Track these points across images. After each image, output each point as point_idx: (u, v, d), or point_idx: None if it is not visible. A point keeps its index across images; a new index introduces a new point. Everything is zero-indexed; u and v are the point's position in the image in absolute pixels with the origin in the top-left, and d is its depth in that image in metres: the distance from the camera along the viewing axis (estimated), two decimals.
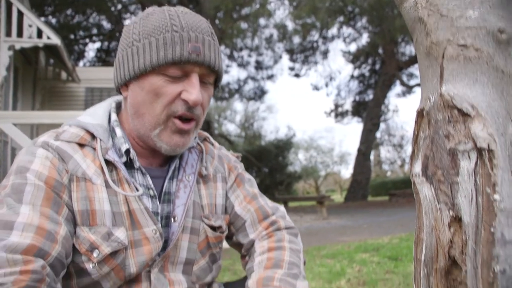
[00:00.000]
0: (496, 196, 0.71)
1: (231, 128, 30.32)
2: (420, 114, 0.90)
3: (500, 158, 0.73)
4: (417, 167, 0.91)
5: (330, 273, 3.76)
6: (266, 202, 1.18)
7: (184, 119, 0.97)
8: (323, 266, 4.15)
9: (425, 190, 0.90)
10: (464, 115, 0.79)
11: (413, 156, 0.93)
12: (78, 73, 10.04)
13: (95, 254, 0.90)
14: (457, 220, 0.85)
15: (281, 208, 1.22)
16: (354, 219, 10.20)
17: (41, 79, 10.00)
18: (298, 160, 32.03)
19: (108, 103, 1.09)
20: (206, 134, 1.20)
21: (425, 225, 0.93)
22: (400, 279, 3.45)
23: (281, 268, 1.02)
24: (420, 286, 0.94)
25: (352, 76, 24.69)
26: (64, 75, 10.18)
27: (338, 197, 25.36)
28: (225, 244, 1.20)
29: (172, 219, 1.02)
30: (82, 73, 10.29)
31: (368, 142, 20.69)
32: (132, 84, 0.97)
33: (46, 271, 0.79)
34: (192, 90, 0.93)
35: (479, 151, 0.75)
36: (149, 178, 1.01)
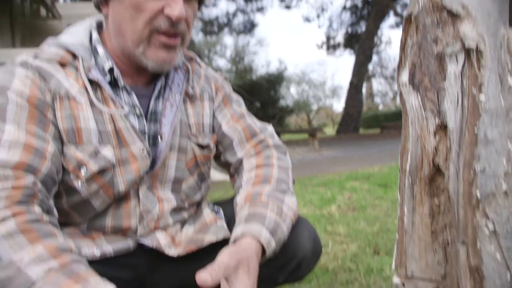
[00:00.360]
0: (482, 97, 0.70)
1: (221, 63, 29.72)
2: (408, 20, 0.87)
3: (488, 58, 0.71)
4: (404, 76, 0.89)
5: (321, 200, 3.89)
6: (254, 121, 1.17)
7: (168, 35, 0.93)
8: (315, 193, 4.27)
9: (411, 100, 0.89)
10: (454, 16, 0.76)
11: (400, 65, 0.91)
12: (59, 9, 9.56)
13: (82, 172, 0.90)
14: (442, 128, 0.85)
15: (270, 127, 1.21)
16: (346, 150, 10.38)
17: (18, 16, 9.53)
18: (290, 94, 31.85)
19: (89, 22, 1.04)
20: (192, 54, 1.16)
21: (411, 135, 0.93)
22: (389, 205, 3.58)
23: (270, 184, 1.03)
24: (405, 196, 0.97)
25: (344, 7, 23.87)
26: (43, 11, 9.70)
27: (330, 131, 25.62)
28: (218, 176, 1.20)
29: (159, 138, 1.01)
30: (63, 9, 9.80)
31: (360, 75, 20.49)
32: (112, 0, 0.92)
33: (38, 187, 0.80)
34: (175, 5, 0.89)
35: (467, 52, 0.73)
36: (134, 97, 0.98)
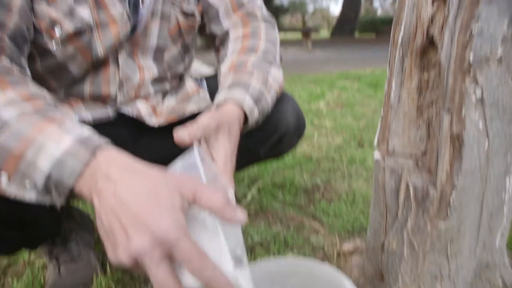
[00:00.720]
0: None
1: None
2: None
3: None
4: None
5: (310, 96, 3.87)
6: None
7: None
8: (304, 90, 4.24)
9: None
10: None
11: None
12: None
13: (57, 32, 0.84)
14: None
15: (258, 0, 1.12)
16: (339, 52, 10.13)
17: None
18: None
19: None
20: None
21: (407, 4, 0.86)
22: (377, 103, 3.58)
23: (256, 54, 0.98)
24: (394, 69, 0.93)
25: None
26: None
27: (325, 34, 24.77)
28: (205, 70, 1.14)
29: (141, 3, 0.93)
30: None
31: None
32: None
33: (6, 42, 0.74)
34: None
35: None
36: None
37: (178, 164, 0.64)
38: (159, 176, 0.56)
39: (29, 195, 0.59)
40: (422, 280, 0.89)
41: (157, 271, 0.50)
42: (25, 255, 1.33)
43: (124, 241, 0.50)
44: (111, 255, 0.53)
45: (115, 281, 1.18)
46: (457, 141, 0.74)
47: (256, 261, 0.91)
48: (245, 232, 1.39)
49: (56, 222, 1.11)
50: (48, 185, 0.58)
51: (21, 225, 0.91)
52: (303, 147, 2.38)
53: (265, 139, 1.04)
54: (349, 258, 1.19)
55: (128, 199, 0.52)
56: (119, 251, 0.51)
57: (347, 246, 1.22)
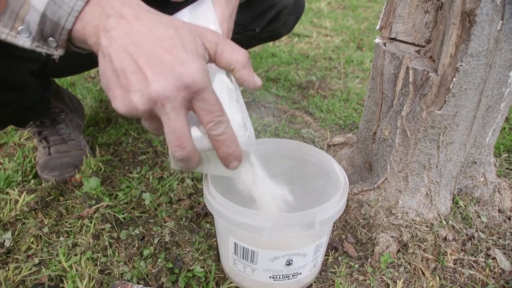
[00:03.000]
0: None
1: None
2: None
3: None
4: None
5: None
6: None
7: None
8: None
9: None
10: None
11: None
12: None
13: None
14: None
15: None
16: None
17: None
18: None
19: None
20: None
21: None
22: (381, 8, 3.39)
23: None
24: None
25: None
26: None
27: None
28: None
29: None
30: None
31: None
32: None
33: None
34: None
35: None
36: None
37: (186, 14, 0.59)
38: (181, 22, 0.49)
39: (23, 41, 0.51)
40: (410, 168, 0.90)
41: (177, 119, 0.46)
42: (15, 137, 1.32)
43: (141, 84, 0.44)
44: (120, 102, 0.46)
45: (104, 163, 1.18)
46: (467, 20, 0.68)
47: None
48: None
49: (43, 98, 1.08)
50: (44, 28, 0.50)
51: (8, 90, 0.87)
52: (300, 45, 2.29)
53: (262, 13, 0.96)
54: (339, 149, 1.19)
55: (147, 39, 0.46)
56: (134, 96, 0.45)
57: (338, 138, 1.22)
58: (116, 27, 0.46)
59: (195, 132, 0.51)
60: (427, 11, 0.86)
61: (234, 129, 0.51)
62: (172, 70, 0.44)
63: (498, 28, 0.69)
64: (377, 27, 0.93)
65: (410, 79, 0.81)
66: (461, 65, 0.73)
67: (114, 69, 0.46)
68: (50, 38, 0.51)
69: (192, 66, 0.45)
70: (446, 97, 0.77)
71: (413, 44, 0.89)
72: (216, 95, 0.48)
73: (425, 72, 0.79)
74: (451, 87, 0.76)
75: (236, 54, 0.50)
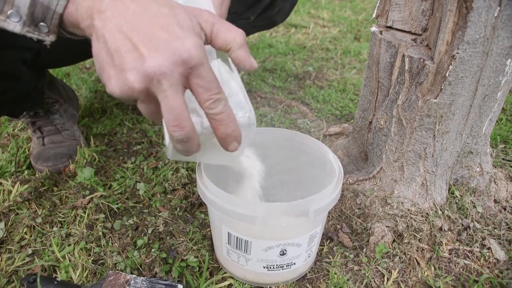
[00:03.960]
0: None
1: None
2: None
3: None
4: None
5: None
6: None
7: None
8: None
9: None
10: None
11: None
12: None
13: None
14: None
15: None
16: None
17: None
18: None
19: None
20: None
21: None
22: None
23: None
24: None
25: None
26: None
27: None
28: None
29: None
30: None
31: None
32: None
33: None
34: None
35: None
36: None
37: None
38: (175, 3, 0.48)
39: (13, 25, 0.50)
40: (406, 158, 0.89)
41: (175, 97, 0.44)
42: (9, 128, 1.31)
43: (136, 62, 0.43)
44: (114, 83, 0.45)
45: (98, 153, 1.17)
46: (464, 6, 0.67)
47: None
48: None
49: (37, 88, 1.06)
50: (34, 12, 0.49)
51: (0, 79, 0.86)
52: (297, 36, 2.28)
53: (257, 0, 0.95)
54: (335, 139, 1.18)
55: (142, 17, 0.44)
56: (129, 75, 0.43)
57: (334, 128, 1.21)
58: (110, 8, 0.45)
59: (193, 116, 0.50)
60: None
61: (234, 110, 0.50)
62: (168, 46, 0.43)
63: (496, 14, 0.68)
64: (374, 15, 0.92)
65: (406, 67, 0.80)
66: (457, 53, 0.72)
67: (108, 49, 0.45)
68: (41, 23, 0.50)
69: (189, 41, 0.44)
70: (442, 85, 0.76)
71: (409, 32, 0.88)
72: (213, 72, 0.46)
73: (421, 60, 0.78)
74: (447, 75, 0.75)
75: (234, 33, 0.49)
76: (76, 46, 0.73)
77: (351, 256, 0.84)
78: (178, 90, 0.44)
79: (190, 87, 0.46)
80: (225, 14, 0.66)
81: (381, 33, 0.88)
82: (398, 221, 0.88)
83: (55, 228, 0.90)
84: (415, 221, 0.89)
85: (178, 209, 0.96)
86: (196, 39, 0.45)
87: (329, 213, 0.92)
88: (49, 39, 0.51)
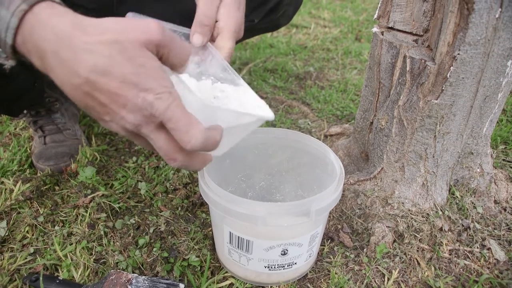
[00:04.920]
0: None
1: None
2: None
3: None
4: None
5: None
6: None
7: None
8: None
9: None
10: None
11: None
12: None
13: None
14: None
15: None
16: None
17: None
18: None
19: None
20: None
21: None
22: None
23: None
24: None
25: None
26: None
27: None
28: None
29: None
30: None
31: None
32: None
33: None
34: None
35: None
36: None
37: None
38: (119, 34, 0.44)
39: None
40: (406, 158, 0.89)
41: (158, 139, 0.47)
42: (10, 127, 1.32)
43: (112, 118, 0.46)
44: (102, 124, 0.49)
45: (100, 152, 1.18)
46: (466, 7, 0.68)
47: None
48: None
49: (35, 87, 1.07)
50: None
51: None
52: (298, 36, 2.28)
53: (262, 3, 0.95)
54: (336, 140, 1.19)
55: (96, 72, 0.43)
56: (112, 125, 0.47)
57: (335, 128, 1.21)
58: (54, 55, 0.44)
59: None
60: None
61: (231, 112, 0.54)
62: (132, 103, 0.44)
63: (497, 16, 0.68)
64: (375, 16, 0.92)
65: (407, 68, 0.81)
66: (458, 54, 0.72)
67: (81, 106, 0.48)
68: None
69: (152, 92, 0.45)
70: (443, 86, 0.77)
71: (410, 33, 0.88)
72: (182, 111, 0.46)
73: (423, 61, 0.78)
74: (448, 76, 0.75)
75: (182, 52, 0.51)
76: None
77: (352, 256, 0.85)
78: (159, 132, 0.47)
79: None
80: (242, 18, 0.68)
81: (382, 34, 0.89)
82: (399, 221, 0.89)
83: (57, 227, 0.91)
84: (415, 221, 0.89)
85: (179, 209, 0.96)
86: (158, 83, 0.45)
87: (330, 213, 0.93)
88: (8, 63, 0.51)
